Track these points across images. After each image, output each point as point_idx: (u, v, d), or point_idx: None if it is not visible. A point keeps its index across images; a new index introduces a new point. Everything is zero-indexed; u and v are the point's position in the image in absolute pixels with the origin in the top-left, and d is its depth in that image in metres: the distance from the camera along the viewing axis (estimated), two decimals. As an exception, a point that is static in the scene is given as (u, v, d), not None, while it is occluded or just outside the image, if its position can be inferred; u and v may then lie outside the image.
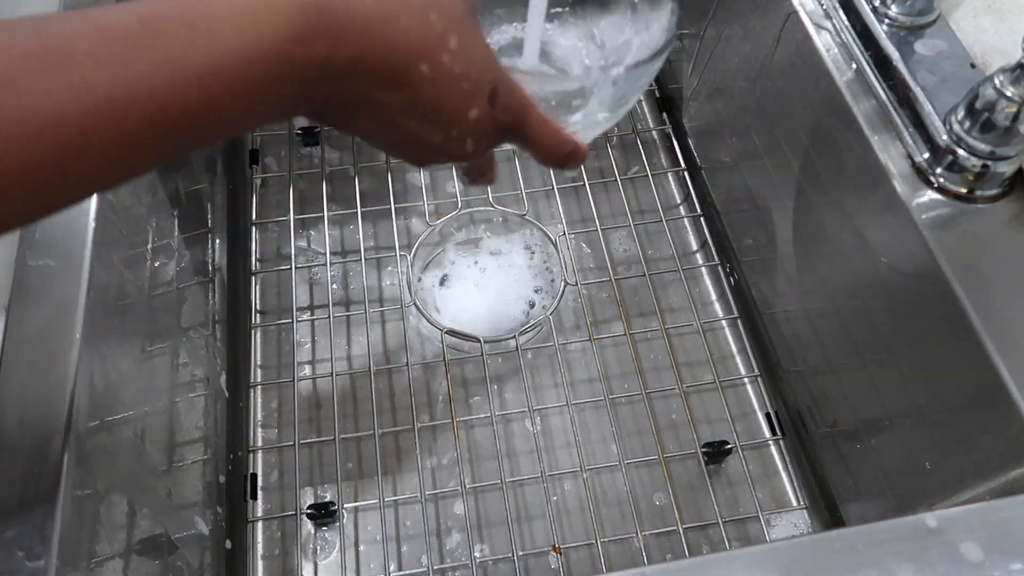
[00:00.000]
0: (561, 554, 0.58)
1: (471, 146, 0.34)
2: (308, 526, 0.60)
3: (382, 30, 0.29)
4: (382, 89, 0.30)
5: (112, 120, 0.25)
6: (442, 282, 0.71)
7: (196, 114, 0.26)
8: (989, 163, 0.43)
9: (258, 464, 0.63)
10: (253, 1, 0.27)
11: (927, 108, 0.46)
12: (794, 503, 0.62)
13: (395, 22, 0.29)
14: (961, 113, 0.44)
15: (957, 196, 0.45)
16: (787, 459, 0.63)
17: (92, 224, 0.44)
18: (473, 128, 0.33)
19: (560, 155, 0.37)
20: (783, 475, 0.63)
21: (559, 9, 0.45)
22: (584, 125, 0.39)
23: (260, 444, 0.64)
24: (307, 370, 0.67)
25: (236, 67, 0.27)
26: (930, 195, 0.45)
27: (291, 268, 0.70)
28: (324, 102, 0.30)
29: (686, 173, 0.76)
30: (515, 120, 0.34)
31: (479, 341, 0.66)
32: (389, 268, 0.72)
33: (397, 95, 0.30)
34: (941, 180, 0.45)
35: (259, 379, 0.67)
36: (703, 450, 0.61)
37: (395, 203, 0.74)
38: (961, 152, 0.44)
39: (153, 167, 0.28)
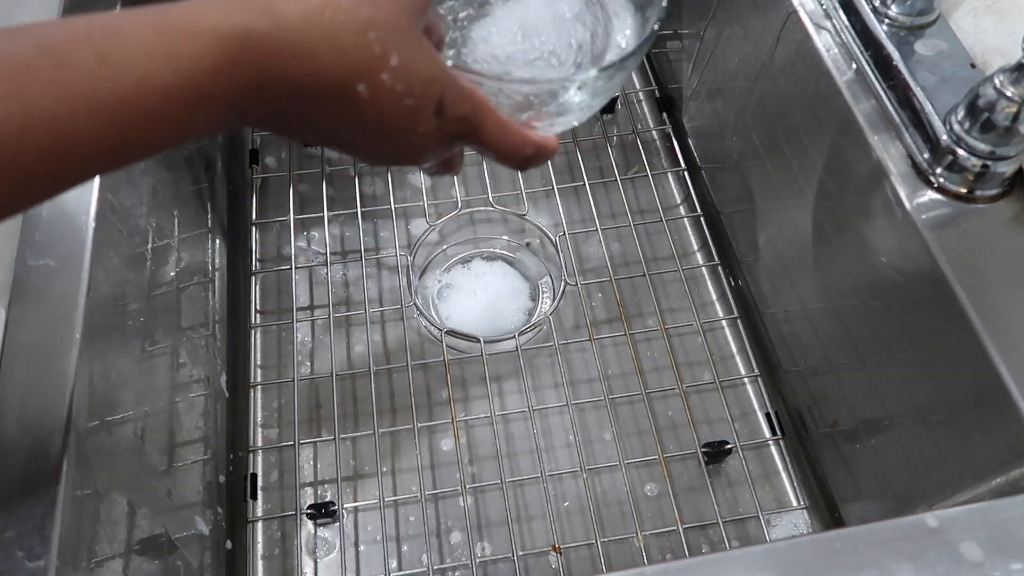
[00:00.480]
0: (561, 554, 0.58)
1: (422, 155, 0.33)
2: (308, 526, 0.60)
3: (315, 54, 0.27)
4: (319, 110, 0.29)
5: (7, 155, 0.23)
6: (442, 288, 0.71)
7: (105, 146, 0.25)
8: (989, 163, 0.43)
9: (258, 464, 0.63)
10: (170, 29, 0.26)
11: (927, 108, 0.46)
12: (794, 503, 0.62)
13: (329, 45, 0.27)
14: (961, 113, 0.44)
15: (957, 196, 0.45)
16: (787, 459, 0.63)
17: (92, 224, 0.44)
18: (420, 141, 0.32)
19: (521, 157, 0.35)
20: (783, 475, 0.63)
21: None
22: (554, 118, 0.37)
23: (260, 444, 0.64)
24: (307, 370, 0.67)
25: (151, 100, 0.25)
26: (930, 195, 0.45)
27: (291, 268, 0.70)
28: (258, 122, 0.29)
29: (686, 173, 0.76)
30: (468, 128, 0.33)
31: (479, 341, 0.66)
32: (389, 268, 0.72)
33: (336, 116, 0.29)
34: (941, 180, 0.45)
35: (259, 379, 0.67)
36: (703, 450, 0.61)
37: (395, 203, 0.74)
38: (961, 152, 0.44)
39: (66, 190, 0.27)
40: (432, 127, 0.31)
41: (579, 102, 0.37)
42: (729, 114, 0.67)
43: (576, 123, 0.39)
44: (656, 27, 0.37)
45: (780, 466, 0.63)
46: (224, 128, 0.29)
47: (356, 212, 0.73)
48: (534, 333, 0.68)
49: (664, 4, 0.38)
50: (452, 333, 0.66)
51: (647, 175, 0.75)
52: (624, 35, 0.41)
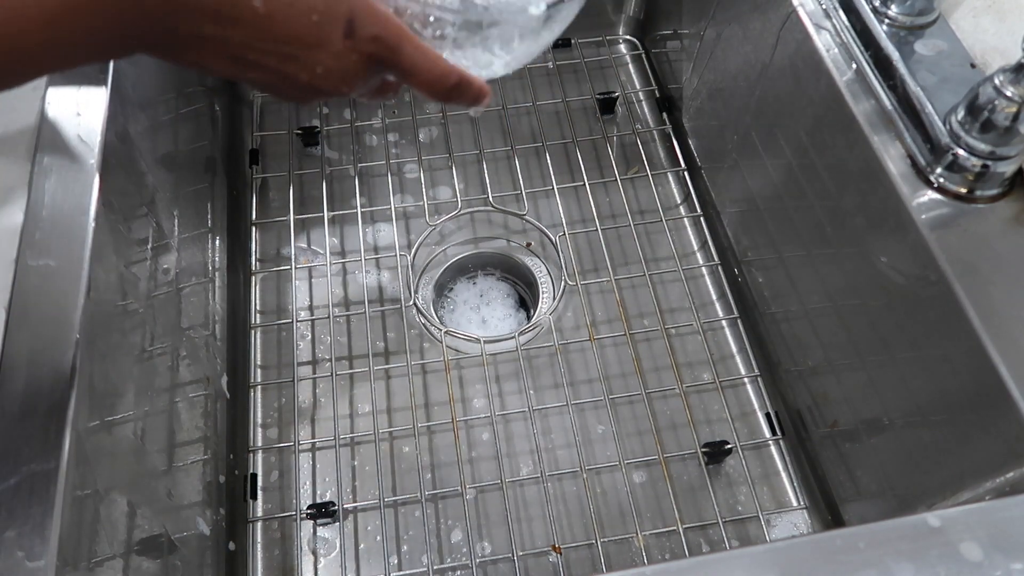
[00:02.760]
0: (561, 554, 0.58)
1: (345, 82, 0.32)
2: (308, 526, 0.60)
3: None
4: (213, 25, 0.27)
5: None
6: (443, 285, 0.71)
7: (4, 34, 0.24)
8: (989, 163, 0.43)
9: (258, 464, 0.63)
10: None
11: (927, 108, 0.46)
12: (794, 503, 0.62)
13: None
14: (961, 113, 0.44)
15: (957, 196, 0.45)
16: (787, 459, 0.63)
17: (92, 224, 0.44)
18: (337, 63, 0.30)
19: (443, 88, 0.34)
20: (783, 475, 0.63)
21: None
22: (483, 61, 0.36)
23: (260, 444, 0.64)
24: (307, 370, 0.67)
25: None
26: (930, 195, 0.45)
27: (291, 268, 0.70)
28: (151, 39, 0.28)
29: (686, 173, 0.76)
30: (384, 50, 0.31)
31: (479, 341, 0.66)
32: (389, 268, 0.72)
33: (233, 32, 0.28)
34: (941, 180, 0.45)
35: (259, 379, 0.67)
36: (703, 450, 0.61)
37: (395, 203, 0.74)
38: (961, 152, 0.44)
39: None
40: (345, 48, 0.30)
41: (515, 36, 0.35)
42: (729, 114, 0.67)
43: (508, 70, 0.37)
44: None
45: (780, 466, 0.63)
46: (123, 42, 0.27)
47: (356, 212, 0.73)
48: (534, 333, 0.68)
49: None
50: (452, 333, 0.66)
51: (647, 175, 0.75)
52: None
